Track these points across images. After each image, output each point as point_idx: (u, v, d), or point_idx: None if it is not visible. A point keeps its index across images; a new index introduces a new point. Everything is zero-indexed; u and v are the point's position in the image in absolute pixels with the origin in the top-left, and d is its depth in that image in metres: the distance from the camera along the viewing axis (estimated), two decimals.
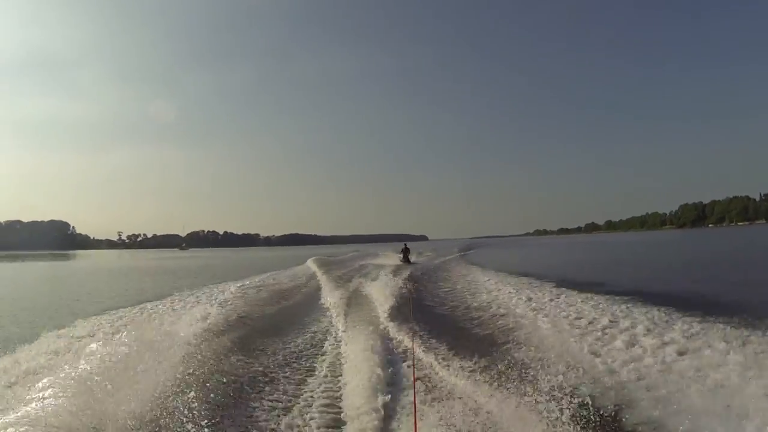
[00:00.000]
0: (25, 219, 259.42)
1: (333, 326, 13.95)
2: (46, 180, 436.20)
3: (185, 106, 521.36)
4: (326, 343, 11.94)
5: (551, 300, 15.27)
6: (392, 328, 12.82)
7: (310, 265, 39.68)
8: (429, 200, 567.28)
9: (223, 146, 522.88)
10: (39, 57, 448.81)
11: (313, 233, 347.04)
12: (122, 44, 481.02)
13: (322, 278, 27.44)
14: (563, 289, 17.59)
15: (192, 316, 14.43)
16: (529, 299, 15.44)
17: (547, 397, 6.98)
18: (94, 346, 9.36)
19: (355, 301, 18.18)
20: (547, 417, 6.43)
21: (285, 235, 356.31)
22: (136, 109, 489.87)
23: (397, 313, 14.55)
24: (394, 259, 45.94)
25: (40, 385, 6.86)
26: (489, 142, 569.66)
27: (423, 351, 10.42)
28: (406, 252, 46.24)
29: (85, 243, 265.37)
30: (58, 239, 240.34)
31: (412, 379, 7.99)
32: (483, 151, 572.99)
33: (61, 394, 6.43)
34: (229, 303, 17.43)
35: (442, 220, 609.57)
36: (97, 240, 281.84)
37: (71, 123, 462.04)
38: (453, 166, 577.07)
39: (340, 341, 11.86)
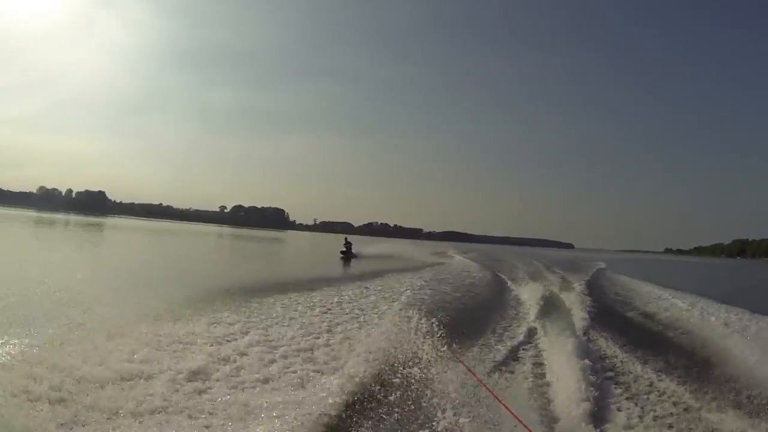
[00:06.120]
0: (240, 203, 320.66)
1: (529, 325, 15.10)
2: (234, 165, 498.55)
3: (354, 99, 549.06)
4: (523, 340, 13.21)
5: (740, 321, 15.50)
6: (590, 334, 13.92)
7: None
8: (579, 208, 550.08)
9: (389, 138, 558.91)
10: (224, 52, 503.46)
11: (467, 232, 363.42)
12: (299, 42, 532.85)
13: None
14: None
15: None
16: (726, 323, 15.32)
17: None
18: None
19: (547, 302, 19.18)
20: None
21: (444, 231, 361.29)
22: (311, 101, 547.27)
23: (592, 320, 15.86)
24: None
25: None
26: (644, 151, 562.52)
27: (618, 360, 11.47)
28: (348, 247, 44.19)
29: (293, 226, 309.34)
30: (278, 222, 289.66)
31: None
32: (634, 161, 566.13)
33: None
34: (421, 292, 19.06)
35: (591, 230, 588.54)
36: (299, 224, 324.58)
37: (254, 112, 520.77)
38: (603, 175, 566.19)
39: (538, 341, 12.97)
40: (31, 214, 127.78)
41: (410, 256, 49.84)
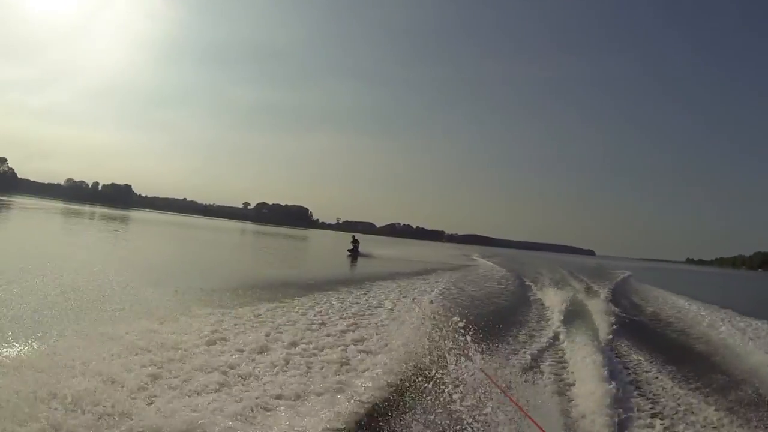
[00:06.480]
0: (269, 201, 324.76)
1: (553, 332, 14.87)
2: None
3: (380, 99, 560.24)
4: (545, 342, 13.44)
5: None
6: (615, 343, 13.80)
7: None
8: (601, 215, 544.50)
9: (415, 139, 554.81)
10: (250, 48, 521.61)
11: (489, 235, 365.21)
12: (326, 41, 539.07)
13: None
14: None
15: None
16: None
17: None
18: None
19: (572, 309, 19.12)
20: None
21: (466, 234, 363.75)
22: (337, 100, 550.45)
23: (617, 329, 15.67)
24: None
25: None
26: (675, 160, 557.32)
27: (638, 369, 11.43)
28: (355, 245, 44.06)
29: (316, 225, 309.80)
30: (301, 221, 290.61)
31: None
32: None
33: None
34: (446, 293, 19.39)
35: (612, 237, 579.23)
36: (322, 222, 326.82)
37: (279, 109, 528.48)
38: (626, 182, 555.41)
39: (563, 349, 12.73)
40: (59, 205, 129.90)
41: (426, 261, 49.12)
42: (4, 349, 7.85)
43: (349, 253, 44.00)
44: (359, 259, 42.69)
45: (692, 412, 8.78)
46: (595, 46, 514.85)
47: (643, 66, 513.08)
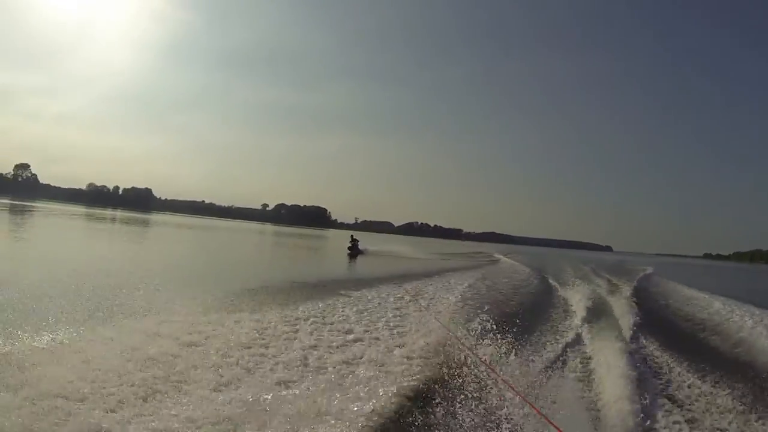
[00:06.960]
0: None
1: (576, 331, 14.70)
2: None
3: (398, 100, 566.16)
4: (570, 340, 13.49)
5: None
6: (640, 342, 13.55)
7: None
8: (617, 211, 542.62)
9: (434, 139, 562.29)
10: (267, 52, 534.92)
11: (506, 233, 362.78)
12: (341, 42, 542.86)
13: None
14: None
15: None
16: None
17: None
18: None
19: (594, 307, 18.90)
20: None
21: (484, 232, 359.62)
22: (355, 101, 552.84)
23: (642, 327, 15.41)
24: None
25: None
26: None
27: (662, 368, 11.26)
28: (354, 243, 45.15)
29: (335, 225, 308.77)
30: (320, 221, 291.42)
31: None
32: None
33: None
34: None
35: (628, 233, 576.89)
36: (340, 222, 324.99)
37: (298, 111, 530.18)
38: (642, 179, 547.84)
39: (586, 348, 12.65)
40: (84, 210, 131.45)
41: (438, 258, 49.93)
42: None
43: (348, 251, 44.92)
44: (359, 257, 44.02)
45: (725, 414, 8.58)
46: (621, 42, 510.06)
47: (660, 58, 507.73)
